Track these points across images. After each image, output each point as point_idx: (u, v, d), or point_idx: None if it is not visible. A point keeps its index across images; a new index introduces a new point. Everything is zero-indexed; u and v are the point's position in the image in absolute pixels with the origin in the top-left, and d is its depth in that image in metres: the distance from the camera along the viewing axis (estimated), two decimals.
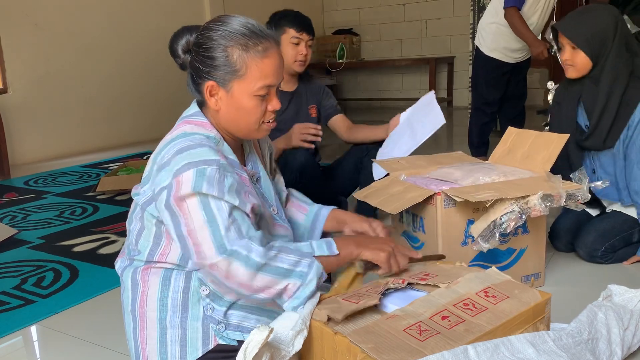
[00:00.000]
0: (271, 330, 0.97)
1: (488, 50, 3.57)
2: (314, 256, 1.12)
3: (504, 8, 3.32)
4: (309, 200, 1.53)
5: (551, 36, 3.02)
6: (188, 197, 1.08)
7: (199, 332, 1.18)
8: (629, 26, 2.62)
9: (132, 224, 1.27)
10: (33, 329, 1.76)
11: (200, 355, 1.17)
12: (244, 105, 1.18)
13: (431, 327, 0.98)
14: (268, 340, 0.98)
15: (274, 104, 1.22)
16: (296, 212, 1.49)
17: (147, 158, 4.53)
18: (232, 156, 1.23)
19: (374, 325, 1.00)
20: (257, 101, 1.18)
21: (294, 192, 1.55)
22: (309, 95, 2.50)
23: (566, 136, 1.78)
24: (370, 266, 1.24)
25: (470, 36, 5.32)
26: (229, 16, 1.18)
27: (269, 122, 1.24)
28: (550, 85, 2.95)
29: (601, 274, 1.92)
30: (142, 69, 5.40)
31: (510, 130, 1.98)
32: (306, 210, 1.48)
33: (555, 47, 3.03)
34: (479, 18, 5.19)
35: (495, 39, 3.50)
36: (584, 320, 1.09)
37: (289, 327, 1.05)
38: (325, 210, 1.47)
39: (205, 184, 1.07)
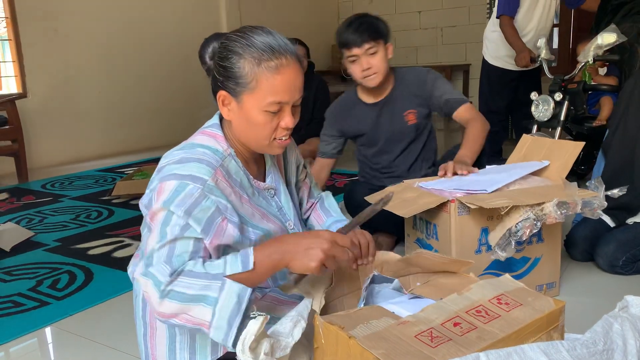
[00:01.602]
0: (265, 319, 0.97)
1: (491, 58, 3.57)
2: (225, 276, 1.04)
3: (497, 17, 3.33)
4: (331, 210, 1.47)
5: (539, 44, 2.98)
6: (158, 208, 1.09)
7: (208, 339, 1.18)
8: (615, 36, 2.56)
9: (145, 230, 1.27)
10: (48, 330, 1.78)
11: None
12: (253, 119, 1.16)
13: (443, 333, 0.97)
14: (266, 330, 0.98)
15: (287, 122, 1.17)
16: (315, 223, 1.47)
17: None
18: (240, 173, 1.21)
19: (385, 331, 1.00)
20: (267, 116, 1.15)
21: (323, 198, 1.50)
22: (404, 100, 2.20)
23: (582, 144, 1.76)
24: (302, 276, 1.15)
25: None
26: (253, 28, 1.16)
27: (281, 139, 1.20)
28: (534, 96, 2.91)
29: (618, 284, 1.89)
30: (159, 75, 5.45)
31: (525, 138, 1.96)
32: (322, 222, 1.46)
33: (542, 56, 2.98)
34: None
35: (497, 47, 3.50)
36: (599, 331, 1.07)
37: (287, 320, 1.05)
38: (335, 226, 1.41)
39: (176, 200, 1.08)
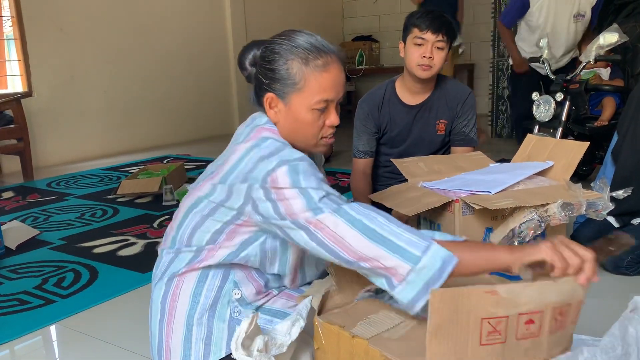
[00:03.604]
0: (255, 316, 0.98)
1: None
2: (433, 240, 1.00)
3: (498, 20, 3.48)
4: None
5: (541, 44, 2.97)
6: (286, 187, 1.07)
7: (225, 332, 1.19)
8: (617, 36, 2.53)
9: (189, 218, 1.23)
10: (53, 328, 1.79)
11: (223, 355, 1.18)
12: (301, 119, 1.18)
13: (505, 329, 0.87)
14: (260, 327, 1.00)
15: (332, 119, 1.19)
16: None
17: (167, 162, 4.57)
18: None
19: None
20: (315, 115, 1.17)
21: None
22: (440, 107, 2.16)
23: (586, 144, 1.75)
24: (538, 270, 0.97)
25: (491, 43, 5.29)
26: (295, 31, 1.20)
27: (327, 137, 1.22)
28: (536, 96, 2.89)
29: (622, 284, 1.89)
30: (164, 75, 5.47)
31: (530, 137, 1.96)
32: None
33: (544, 56, 2.97)
34: None
35: (520, 50, 3.50)
36: (617, 334, 1.03)
37: (287, 319, 1.06)
38: None
39: (301, 178, 1.08)
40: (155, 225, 2.81)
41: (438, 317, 0.83)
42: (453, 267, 0.97)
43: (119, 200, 3.39)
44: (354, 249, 1.01)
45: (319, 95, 1.16)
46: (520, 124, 3.62)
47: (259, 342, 0.99)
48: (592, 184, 1.65)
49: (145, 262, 2.27)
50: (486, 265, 0.99)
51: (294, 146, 1.23)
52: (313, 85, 1.15)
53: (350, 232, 1.02)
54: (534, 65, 3.43)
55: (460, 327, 0.84)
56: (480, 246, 1.03)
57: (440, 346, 0.84)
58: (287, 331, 1.04)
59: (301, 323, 1.06)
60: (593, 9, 3.36)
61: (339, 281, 1.22)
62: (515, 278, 1.01)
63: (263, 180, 1.09)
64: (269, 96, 1.19)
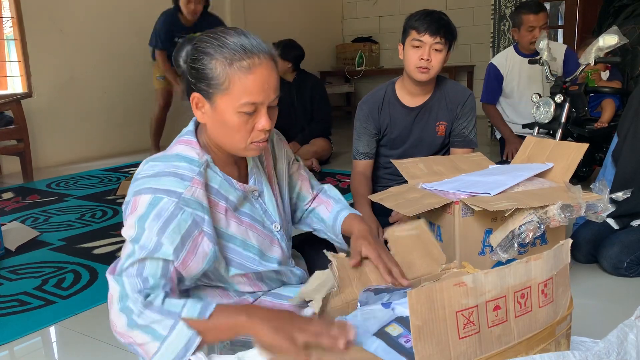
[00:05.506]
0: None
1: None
2: (181, 318, 1.00)
3: (481, 102, 3.48)
4: (336, 196, 1.48)
5: (541, 45, 2.97)
6: (131, 223, 1.07)
7: (204, 348, 1.17)
8: (617, 38, 2.54)
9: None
10: (52, 329, 1.79)
11: None
12: (228, 122, 1.12)
13: (479, 319, 0.89)
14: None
15: (263, 123, 1.13)
16: (322, 208, 1.46)
17: None
18: (217, 179, 1.18)
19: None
20: (242, 118, 1.11)
21: (325, 189, 1.51)
22: (439, 109, 2.17)
23: (586, 146, 1.76)
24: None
25: (491, 45, 5.29)
26: (226, 29, 1.14)
27: (258, 141, 1.15)
28: (535, 98, 2.89)
29: (622, 286, 1.89)
30: None
31: (530, 139, 1.96)
32: (331, 207, 1.45)
33: (544, 58, 2.98)
34: (499, 27, 5.17)
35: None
36: (614, 341, 1.02)
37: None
38: (344, 213, 1.41)
39: (151, 215, 1.05)
40: None
41: (418, 319, 0.84)
42: (196, 345, 0.99)
43: (119, 201, 3.39)
44: (113, 322, 1.03)
45: (245, 97, 1.09)
46: None
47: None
48: (591, 186, 1.65)
49: None
50: (234, 334, 1.02)
51: (225, 149, 1.19)
52: (238, 87, 1.09)
53: (115, 304, 1.03)
54: (532, 65, 3.44)
55: (439, 325, 0.86)
56: (226, 313, 1.02)
57: (426, 348, 0.84)
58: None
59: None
60: (564, 63, 3.38)
61: (342, 279, 1.21)
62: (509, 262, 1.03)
63: (129, 201, 1.10)
64: (194, 96, 1.15)
